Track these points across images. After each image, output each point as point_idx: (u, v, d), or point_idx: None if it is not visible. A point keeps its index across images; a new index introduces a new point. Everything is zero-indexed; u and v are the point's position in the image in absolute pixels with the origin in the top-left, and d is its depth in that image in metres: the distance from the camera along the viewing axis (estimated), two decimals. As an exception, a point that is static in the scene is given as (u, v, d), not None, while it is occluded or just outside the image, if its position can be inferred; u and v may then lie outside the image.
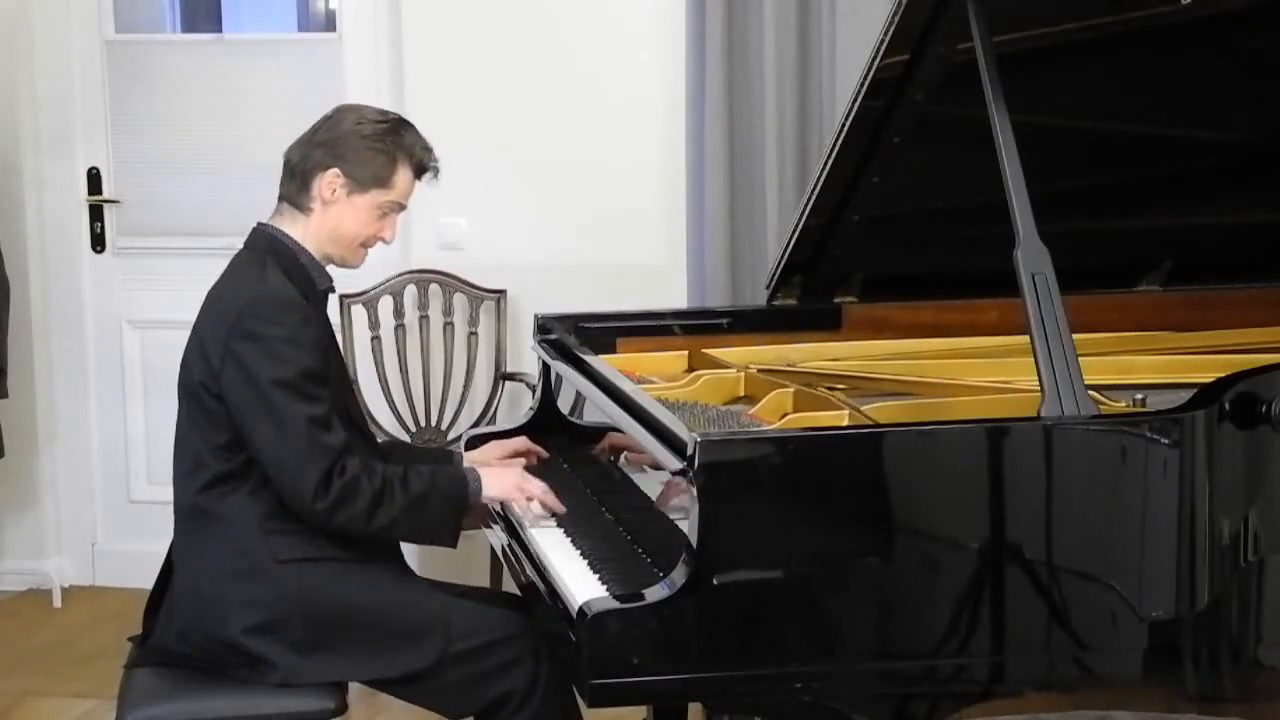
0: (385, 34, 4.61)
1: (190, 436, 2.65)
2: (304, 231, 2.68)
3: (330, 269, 2.74)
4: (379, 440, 3.06)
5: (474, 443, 3.19)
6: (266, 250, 2.67)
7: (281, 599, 2.58)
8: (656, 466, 2.42)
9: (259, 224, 2.72)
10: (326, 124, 2.69)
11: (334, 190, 2.65)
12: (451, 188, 4.49)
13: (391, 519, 2.57)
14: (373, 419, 4.46)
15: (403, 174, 2.69)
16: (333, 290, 2.76)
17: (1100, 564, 2.27)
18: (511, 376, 4.51)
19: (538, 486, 2.70)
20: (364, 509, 2.54)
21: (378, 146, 2.66)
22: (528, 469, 2.86)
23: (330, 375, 2.64)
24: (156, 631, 2.70)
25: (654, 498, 2.52)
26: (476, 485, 2.68)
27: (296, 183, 2.68)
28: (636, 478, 2.68)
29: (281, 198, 2.71)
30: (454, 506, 2.65)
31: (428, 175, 2.74)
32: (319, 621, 2.58)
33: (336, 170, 2.64)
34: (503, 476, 2.73)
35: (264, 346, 2.53)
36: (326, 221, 2.67)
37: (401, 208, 2.73)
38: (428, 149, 2.72)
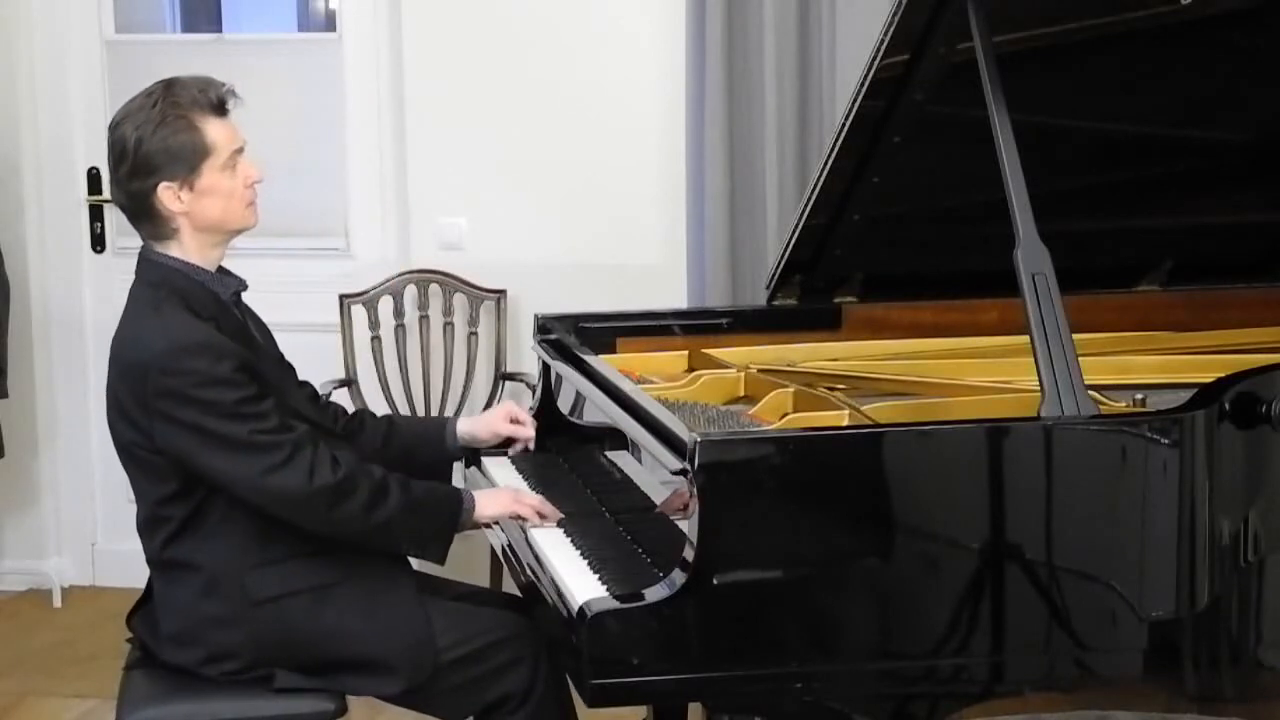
0: (385, 34, 4.61)
1: (138, 491, 2.61)
2: (183, 249, 2.56)
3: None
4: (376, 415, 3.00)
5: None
6: (159, 284, 2.54)
7: (265, 645, 2.55)
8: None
9: (144, 249, 2.59)
10: (116, 153, 2.52)
11: (177, 198, 2.51)
12: (451, 188, 4.57)
13: (389, 517, 2.53)
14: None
15: (211, 128, 2.51)
16: (244, 288, 2.64)
17: (1100, 564, 2.27)
18: (511, 376, 4.51)
19: (532, 501, 2.68)
20: (364, 502, 2.51)
21: (170, 129, 2.48)
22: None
23: (267, 387, 2.54)
24: (150, 644, 2.68)
25: (657, 502, 2.52)
26: (470, 505, 2.64)
27: (145, 220, 2.55)
28: (637, 478, 2.68)
29: (145, 237, 2.59)
30: (449, 521, 2.62)
31: (230, 104, 2.55)
32: (305, 654, 2.56)
33: (163, 183, 2.50)
34: (497, 498, 2.70)
35: (185, 396, 2.45)
36: (197, 224, 2.54)
37: (239, 151, 2.57)
38: (205, 85, 2.53)
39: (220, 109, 2.55)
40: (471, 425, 2.98)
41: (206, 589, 2.56)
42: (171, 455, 2.50)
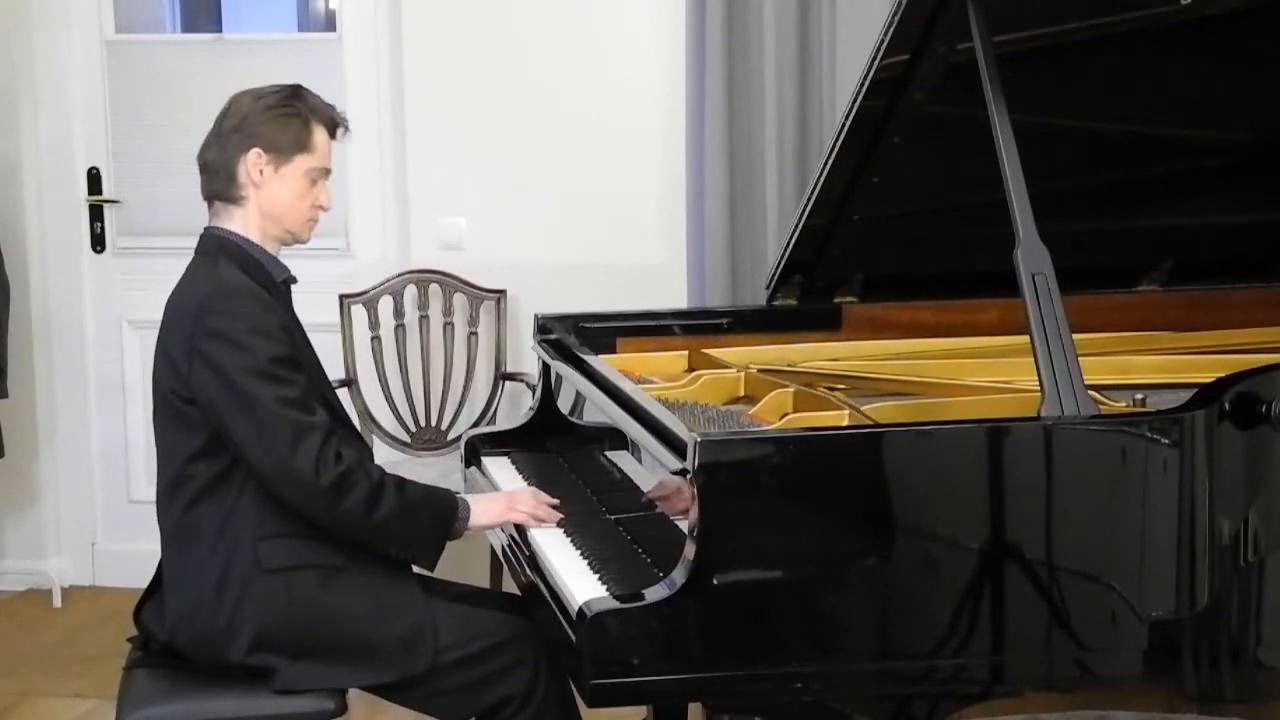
0: (385, 34, 4.61)
1: (167, 452, 2.63)
2: (245, 223, 2.65)
3: (283, 259, 2.72)
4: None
5: (474, 447, 3.19)
6: (217, 251, 2.64)
7: (270, 610, 2.55)
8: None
9: (206, 227, 2.69)
10: (228, 115, 2.67)
11: (260, 170, 2.63)
12: (451, 188, 4.57)
13: (387, 517, 2.54)
14: (372, 419, 4.47)
15: (319, 134, 2.66)
16: (294, 281, 2.72)
17: (1100, 564, 2.27)
18: (511, 376, 4.51)
19: (526, 507, 2.68)
20: (363, 500, 2.52)
21: (286, 112, 2.64)
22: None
23: (303, 362, 2.61)
24: (153, 638, 2.69)
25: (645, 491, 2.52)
26: (465, 514, 2.65)
27: (222, 177, 2.65)
28: (637, 478, 2.68)
29: (212, 198, 2.67)
30: (443, 527, 2.63)
31: (340, 131, 2.72)
32: (307, 631, 2.57)
33: (257, 150, 2.62)
34: (491, 506, 2.70)
35: (228, 340, 2.51)
36: (263, 203, 2.64)
37: (327, 173, 2.70)
38: (331, 105, 2.71)
39: (332, 129, 2.70)
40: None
41: (219, 549, 2.57)
42: (202, 405, 2.54)
